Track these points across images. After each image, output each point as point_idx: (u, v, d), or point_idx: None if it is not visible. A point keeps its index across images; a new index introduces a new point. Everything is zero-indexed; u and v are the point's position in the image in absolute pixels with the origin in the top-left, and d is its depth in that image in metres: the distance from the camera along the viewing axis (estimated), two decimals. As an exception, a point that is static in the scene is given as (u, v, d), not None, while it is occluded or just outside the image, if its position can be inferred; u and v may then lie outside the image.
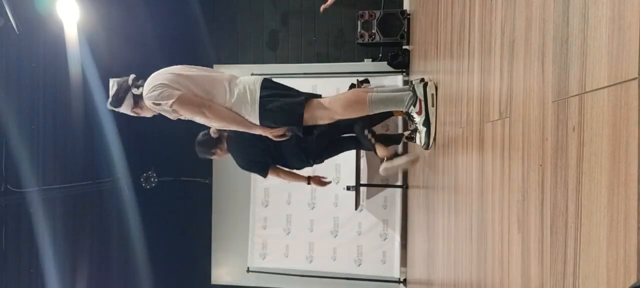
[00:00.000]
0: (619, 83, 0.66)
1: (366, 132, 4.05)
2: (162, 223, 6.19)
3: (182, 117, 2.75)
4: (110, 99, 2.77)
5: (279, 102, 2.65)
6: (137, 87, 2.71)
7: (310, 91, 2.90)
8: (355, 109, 2.69)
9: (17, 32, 4.02)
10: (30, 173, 4.48)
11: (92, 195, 5.43)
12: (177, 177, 6.24)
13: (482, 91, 1.45)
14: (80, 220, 5.28)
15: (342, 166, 5.49)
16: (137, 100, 2.74)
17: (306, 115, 2.66)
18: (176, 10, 6.14)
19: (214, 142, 3.98)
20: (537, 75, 0.98)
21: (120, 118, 5.40)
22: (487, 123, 1.38)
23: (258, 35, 6.11)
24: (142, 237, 5.82)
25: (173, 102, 2.54)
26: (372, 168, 5.42)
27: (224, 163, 5.99)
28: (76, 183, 5.19)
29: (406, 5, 5.48)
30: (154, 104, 2.61)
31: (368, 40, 5.24)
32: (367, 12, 5.28)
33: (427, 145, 2.63)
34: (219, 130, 3.94)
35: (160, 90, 2.57)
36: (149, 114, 2.84)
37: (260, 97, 2.63)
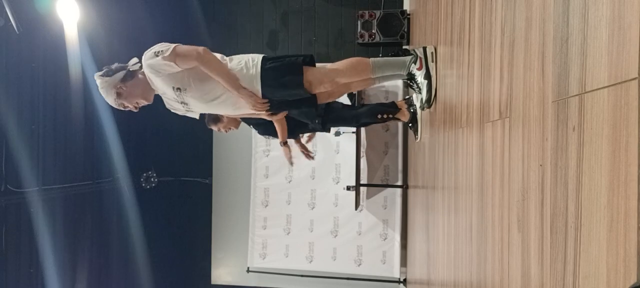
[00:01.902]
0: (619, 83, 0.66)
1: (379, 116, 4.03)
2: (162, 223, 6.18)
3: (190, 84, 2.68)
4: (102, 70, 2.70)
5: (278, 64, 2.68)
6: (135, 64, 2.71)
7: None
8: (358, 71, 2.73)
9: (17, 32, 4.02)
10: (30, 173, 4.48)
11: (92, 195, 5.43)
12: (177, 177, 6.24)
13: (482, 91, 1.44)
14: (80, 220, 5.28)
15: (342, 166, 5.49)
16: (128, 77, 2.67)
17: (308, 78, 2.66)
18: (176, 10, 6.14)
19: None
20: (537, 75, 0.98)
21: (120, 118, 5.42)
22: (487, 123, 1.38)
23: (258, 35, 6.11)
24: (142, 237, 5.82)
25: (171, 51, 2.55)
26: (372, 168, 5.42)
27: (224, 164, 6.01)
28: (76, 183, 5.19)
29: (406, 5, 5.48)
30: (151, 67, 2.57)
31: (368, 40, 5.24)
32: (367, 12, 5.28)
33: (428, 102, 2.64)
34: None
35: (158, 48, 2.60)
36: (130, 102, 2.72)
37: (262, 66, 2.66)
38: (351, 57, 2.94)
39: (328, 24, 5.91)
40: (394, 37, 5.19)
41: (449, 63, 2.15)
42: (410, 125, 3.87)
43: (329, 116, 4.08)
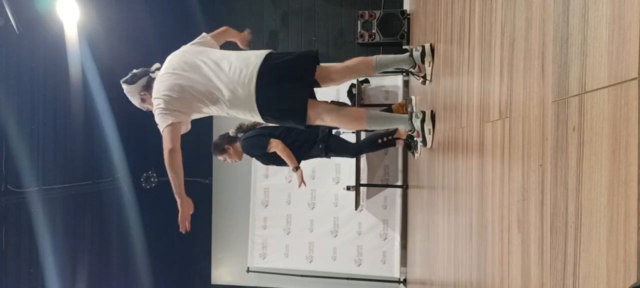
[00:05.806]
0: (619, 83, 0.66)
1: (379, 141, 4.11)
2: (162, 223, 6.18)
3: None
4: (127, 76, 2.80)
5: (277, 105, 2.59)
6: (156, 70, 2.79)
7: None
8: (352, 124, 2.75)
9: (17, 32, 4.02)
10: (30, 173, 4.48)
11: (92, 195, 5.43)
12: (177, 177, 6.23)
13: (482, 91, 1.45)
14: (80, 220, 5.28)
15: (342, 166, 5.49)
16: (150, 84, 2.75)
17: (308, 114, 2.64)
18: (176, 10, 6.14)
19: (227, 140, 4.09)
20: (537, 75, 0.98)
21: (120, 118, 5.42)
22: (487, 123, 1.38)
23: (258, 35, 6.11)
24: (142, 237, 5.82)
25: (161, 126, 2.61)
26: (372, 168, 5.42)
27: (224, 164, 6.00)
28: (76, 183, 5.19)
29: (406, 5, 5.48)
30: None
31: (368, 40, 5.25)
32: (367, 12, 5.28)
33: (424, 143, 2.74)
34: (236, 131, 4.07)
35: (162, 105, 2.60)
36: (152, 106, 2.77)
37: (257, 97, 2.53)
38: (352, 57, 2.93)
39: (328, 24, 5.91)
40: (394, 37, 5.19)
41: (448, 63, 2.15)
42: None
43: (330, 144, 4.16)
